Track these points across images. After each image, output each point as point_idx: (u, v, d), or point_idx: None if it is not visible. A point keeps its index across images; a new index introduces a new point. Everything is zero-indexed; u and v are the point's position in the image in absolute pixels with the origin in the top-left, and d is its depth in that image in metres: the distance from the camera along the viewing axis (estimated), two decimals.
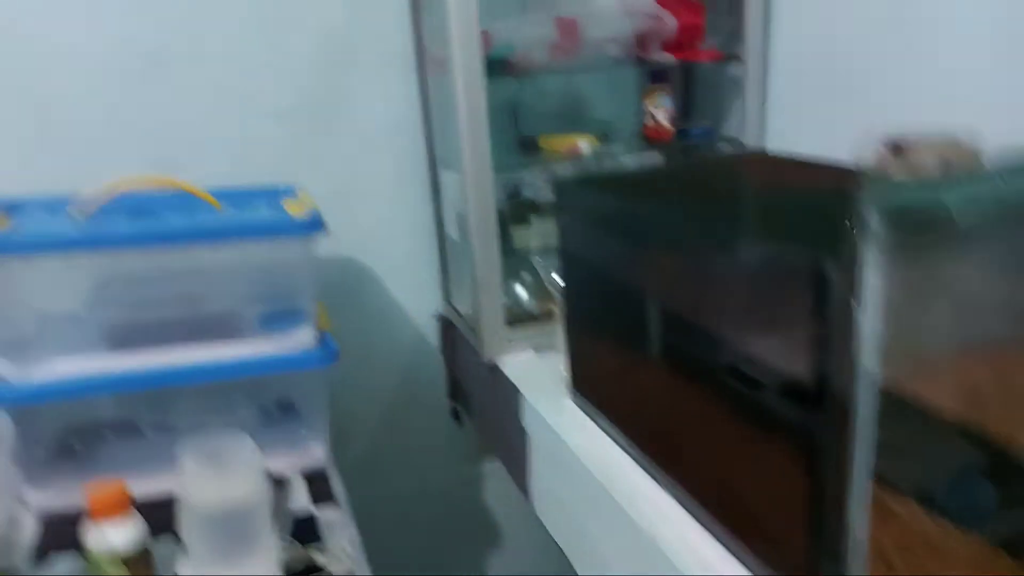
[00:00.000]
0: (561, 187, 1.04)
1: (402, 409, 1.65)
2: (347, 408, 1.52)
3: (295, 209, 1.14)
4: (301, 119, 1.41)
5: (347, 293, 1.53)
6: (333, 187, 1.45)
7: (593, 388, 1.10)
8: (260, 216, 1.08)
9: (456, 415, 1.66)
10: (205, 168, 1.35)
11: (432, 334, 1.63)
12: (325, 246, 1.43)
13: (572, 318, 1.13)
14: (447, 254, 1.55)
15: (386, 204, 1.51)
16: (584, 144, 1.35)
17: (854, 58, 1.23)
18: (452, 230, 1.45)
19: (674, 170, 1.11)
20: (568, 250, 1.08)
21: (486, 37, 1.27)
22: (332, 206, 1.43)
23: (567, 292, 1.11)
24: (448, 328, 1.58)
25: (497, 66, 1.25)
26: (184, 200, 1.10)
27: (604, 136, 1.40)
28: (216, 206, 1.11)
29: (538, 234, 1.34)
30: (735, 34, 1.40)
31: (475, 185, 1.24)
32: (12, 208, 1.12)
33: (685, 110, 1.62)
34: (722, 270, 0.75)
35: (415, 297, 1.59)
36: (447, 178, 1.43)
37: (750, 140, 1.42)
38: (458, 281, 1.55)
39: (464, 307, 1.50)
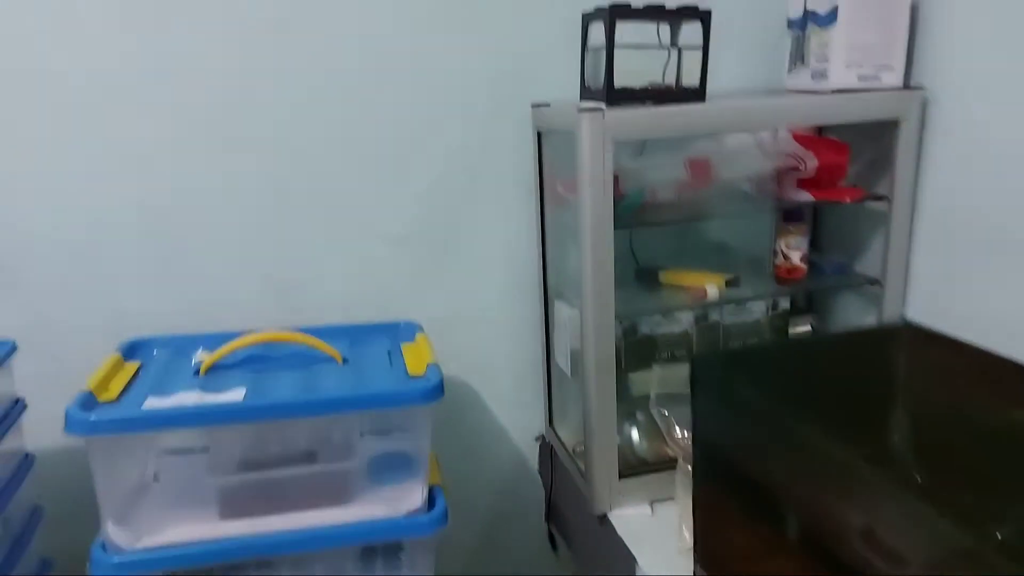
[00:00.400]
0: (701, 365, 0.97)
1: (499, 529, 1.59)
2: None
3: (415, 360, 1.11)
4: (417, 244, 1.39)
5: (449, 410, 1.49)
6: (445, 309, 1.43)
7: (720, 565, 1.02)
8: (378, 381, 1.05)
9: (552, 540, 1.60)
10: (324, 290, 1.36)
11: (532, 455, 1.58)
12: None
13: (704, 494, 1.05)
14: (552, 379, 1.49)
15: (495, 327, 1.47)
16: (711, 288, 1.27)
17: (1013, 213, 1.12)
18: (563, 362, 1.39)
19: (821, 347, 1.02)
20: (705, 427, 1.01)
21: (615, 182, 1.22)
22: (442, 326, 1.44)
23: (700, 469, 1.03)
24: (549, 451, 1.52)
25: (627, 215, 1.20)
26: (304, 354, 1.08)
27: (730, 274, 1.32)
28: (337, 358, 1.09)
29: (659, 380, 1.26)
30: (877, 168, 1.31)
31: (595, 333, 1.18)
32: (141, 349, 1.14)
33: (815, 240, 1.52)
34: (881, 485, 0.67)
35: (517, 417, 1.55)
36: (561, 309, 1.38)
37: (891, 285, 1.31)
38: (562, 408, 1.50)
39: (568, 436, 1.44)
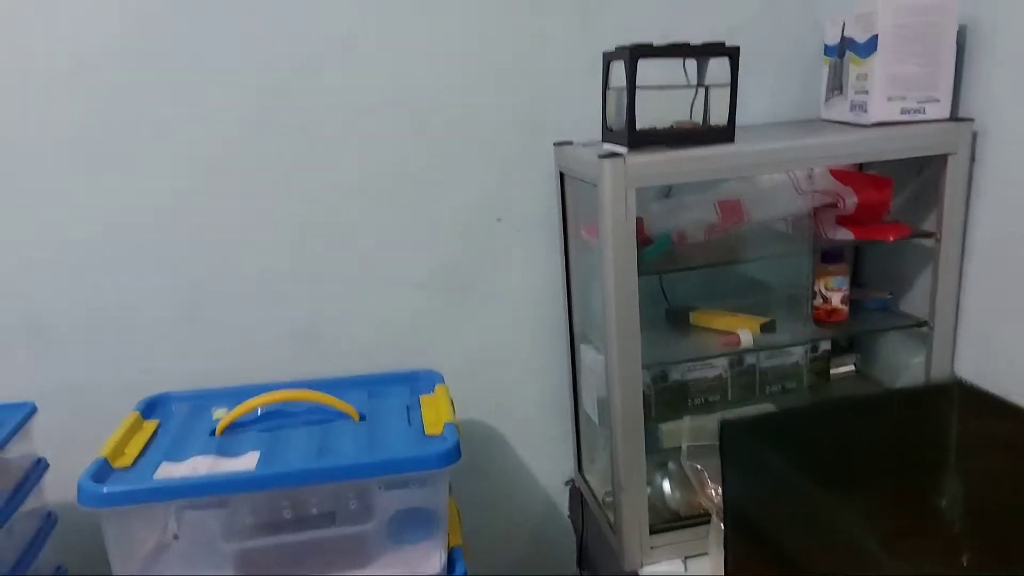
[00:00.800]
0: (730, 432, 0.91)
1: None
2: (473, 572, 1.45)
3: (433, 416, 1.07)
4: (441, 287, 1.36)
5: (476, 455, 1.46)
6: (470, 352, 1.40)
7: None
8: (394, 442, 1.02)
9: None
10: (347, 337, 1.34)
11: (562, 500, 1.53)
12: (459, 408, 1.40)
13: (735, 561, 0.99)
14: (581, 422, 1.44)
15: (521, 370, 1.44)
16: (744, 335, 1.20)
17: None
18: (590, 408, 1.34)
19: (858, 409, 0.96)
20: (736, 493, 0.95)
21: (640, 225, 1.17)
22: (468, 370, 1.41)
23: (732, 537, 0.98)
24: (579, 496, 1.47)
25: (653, 261, 1.15)
26: (321, 409, 1.06)
27: (765, 317, 1.25)
28: (353, 416, 1.07)
29: (691, 431, 1.20)
30: (922, 201, 1.23)
31: (621, 385, 1.13)
32: (160, 406, 1.13)
33: (857, 274, 1.44)
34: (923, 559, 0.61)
35: (545, 462, 1.50)
36: (587, 353, 1.33)
37: (941, 327, 1.23)
38: (591, 452, 1.45)
39: (597, 484, 1.39)
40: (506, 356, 1.42)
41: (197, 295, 1.27)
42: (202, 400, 1.15)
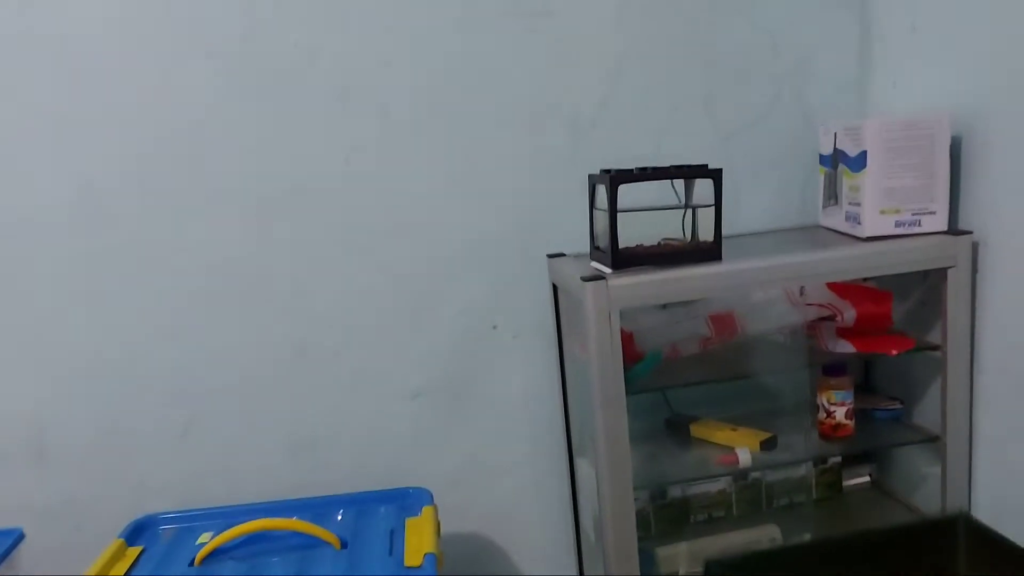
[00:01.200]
0: (716, 573, 0.87)
1: None
2: None
3: (416, 543, 1.05)
4: (436, 396, 1.35)
5: (474, 565, 1.41)
6: (465, 462, 1.38)
7: None
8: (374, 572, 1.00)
9: None
10: (340, 447, 1.33)
11: None
12: (452, 521, 1.37)
13: None
14: (582, 535, 1.39)
15: (519, 482, 1.40)
16: (743, 453, 1.16)
17: None
18: (588, 524, 1.30)
19: (856, 547, 0.90)
20: None
21: (628, 340, 1.15)
22: (463, 480, 1.38)
23: None
24: None
25: (644, 377, 1.12)
26: (302, 539, 1.05)
27: (767, 433, 1.21)
28: (335, 544, 1.05)
29: (689, 557, 1.15)
30: (928, 310, 1.18)
31: (612, 508, 1.09)
32: (147, 530, 1.13)
33: (867, 380, 1.39)
34: None
35: (545, 570, 1.45)
36: (581, 467, 1.30)
37: (954, 441, 1.17)
38: (593, 567, 1.39)
39: None
40: (504, 466, 1.39)
41: (191, 409, 1.27)
42: (190, 522, 1.14)
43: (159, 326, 1.24)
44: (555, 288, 1.29)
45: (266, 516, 1.13)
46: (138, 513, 1.19)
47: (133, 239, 1.21)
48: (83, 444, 1.25)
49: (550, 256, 1.29)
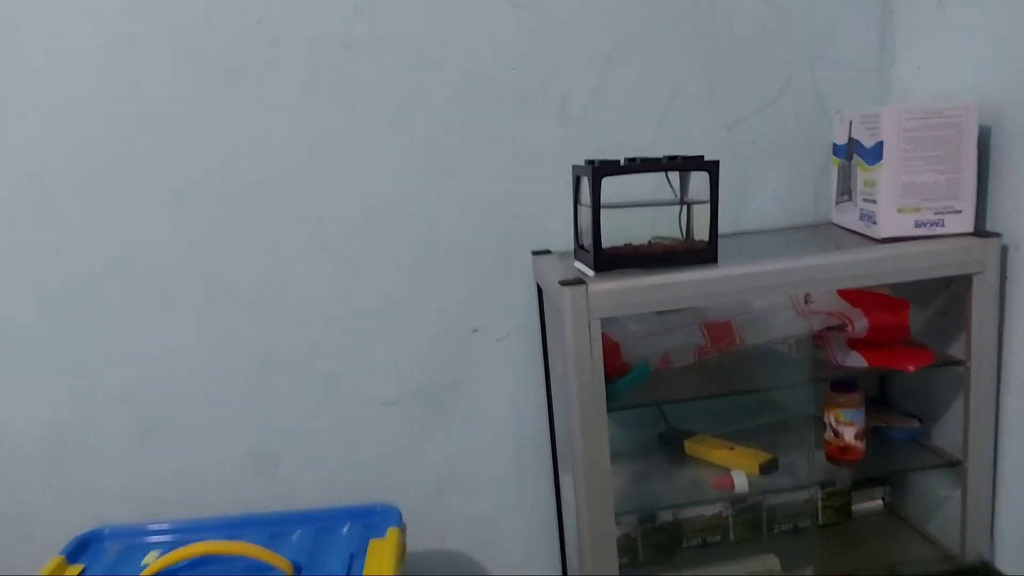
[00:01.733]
0: None
1: None
2: None
3: (376, 569, 0.96)
4: (412, 405, 1.25)
5: None
6: (443, 475, 1.29)
7: None
8: None
9: None
10: (309, 459, 1.24)
11: None
12: (428, 540, 1.29)
13: None
14: (567, 556, 1.30)
15: (502, 497, 1.30)
16: (739, 478, 1.05)
17: None
18: (572, 548, 1.21)
19: None
20: None
21: (614, 350, 1.05)
22: (441, 493, 1.29)
23: None
24: None
25: (630, 391, 1.02)
26: (250, 564, 0.96)
27: (766, 455, 1.10)
28: (286, 570, 0.96)
29: None
30: (951, 320, 1.06)
31: (591, 533, 0.99)
32: (91, 547, 1.06)
33: (882, 394, 1.27)
34: None
35: None
36: (566, 484, 1.20)
37: (977, 466, 1.05)
38: None
39: None
40: (484, 481, 1.29)
41: (154, 417, 1.20)
42: (138, 537, 1.07)
43: (113, 327, 1.16)
44: (540, 289, 1.19)
45: (220, 532, 1.06)
46: (95, 522, 1.12)
47: (82, 235, 1.13)
48: (35, 450, 1.18)
49: (535, 253, 1.19)
